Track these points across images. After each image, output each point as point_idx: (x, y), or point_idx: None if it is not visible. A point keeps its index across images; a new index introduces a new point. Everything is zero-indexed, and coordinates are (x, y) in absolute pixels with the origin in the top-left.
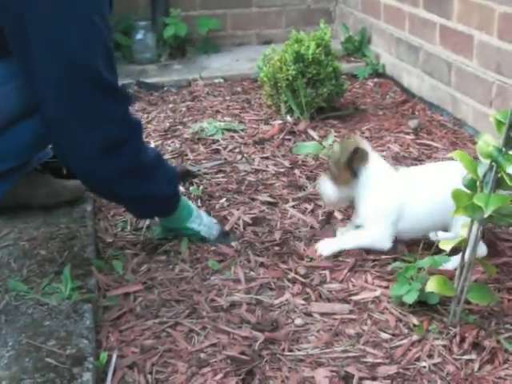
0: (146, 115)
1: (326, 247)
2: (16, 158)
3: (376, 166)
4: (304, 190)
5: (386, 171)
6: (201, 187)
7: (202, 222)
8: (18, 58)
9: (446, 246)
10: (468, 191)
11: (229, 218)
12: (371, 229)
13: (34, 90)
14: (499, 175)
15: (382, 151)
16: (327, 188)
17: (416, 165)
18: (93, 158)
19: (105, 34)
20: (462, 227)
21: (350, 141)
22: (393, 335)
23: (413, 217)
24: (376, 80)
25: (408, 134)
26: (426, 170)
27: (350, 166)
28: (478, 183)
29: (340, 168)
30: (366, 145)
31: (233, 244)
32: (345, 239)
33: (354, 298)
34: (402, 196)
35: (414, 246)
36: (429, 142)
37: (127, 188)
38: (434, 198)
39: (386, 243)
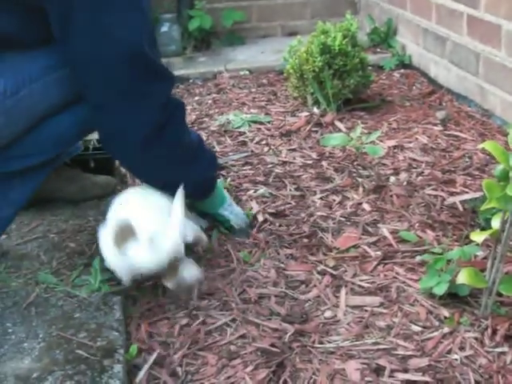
0: None
1: None
2: (54, 149)
3: None
4: (331, 181)
5: None
6: (228, 179)
7: (233, 211)
8: (62, 45)
9: (477, 237)
10: (500, 182)
11: (256, 210)
12: None
13: (78, 77)
14: None
15: (410, 142)
16: None
17: (445, 156)
18: (139, 142)
19: (150, 20)
20: (494, 219)
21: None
22: (424, 327)
23: None
24: (402, 71)
25: (436, 125)
26: None
27: None
28: (510, 174)
29: None
30: None
31: (260, 236)
32: None
33: (384, 290)
34: None
35: (443, 237)
36: (457, 133)
37: (169, 171)
38: None
39: None
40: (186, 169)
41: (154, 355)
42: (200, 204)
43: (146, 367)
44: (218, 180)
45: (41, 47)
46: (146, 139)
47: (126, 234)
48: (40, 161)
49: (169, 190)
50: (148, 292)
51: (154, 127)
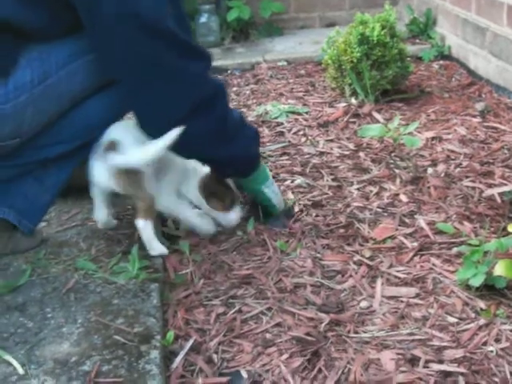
0: None
1: None
2: (86, 134)
3: None
4: (369, 172)
5: None
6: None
7: (275, 191)
8: (89, 30)
9: None
10: None
11: (293, 199)
12: None
13: (106, 61)
14: None
15: (448, 134)
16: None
17: (483, 148)
18: (178, 122)
19: (177, 3)
20: None
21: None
22: (459, 319)
23: None
24: (441, 62)
25: (475, 116)
26: None
27: None
28: None
29: None
30: None
31: (297, 226)
32: None
33: (420, 281)
34: None
35: (480, 229)
36: (496, 125)
37: (213, 149)
38: None
39: None
40: (228, 145)
41: (191, 342)
42: (243, 181)
43: (182, 353)
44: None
45: (66, 36)
46: (183, 118)
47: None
48: (73, 147)
49: (212, 166)
50: (186, 280)
51: (191, 106)
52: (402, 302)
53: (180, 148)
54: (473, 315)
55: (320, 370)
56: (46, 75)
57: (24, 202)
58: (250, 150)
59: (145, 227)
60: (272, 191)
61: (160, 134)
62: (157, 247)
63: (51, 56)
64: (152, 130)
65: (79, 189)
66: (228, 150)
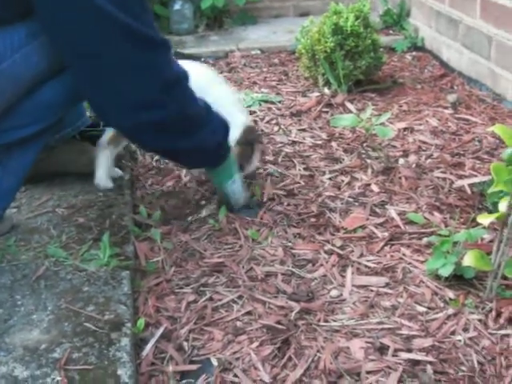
0: None
1: None
2: (48, 117)
3: None
4: (341, 162)
5: None
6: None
7: (235, 191)
8: (42, 17)
9: (484, 220)
10: (508, 166)
11: (264, 188)
12: None
13: (60, 48)
14: None
15: (420, 125)
16: None
17: (455, 139)
18: (134, 112)
19: None
20: (501, 202)
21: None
22: (428, 308)
23: None
24: (414, 53)
25: (446, 108)
26: None
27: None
28: None
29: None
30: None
31: (268, 215)
32: None
33: (390, 270)
34: None
35: (450, 219)
36: (467, 117)
37: (173, 140)
38: None
39: None
40: (191, 137)
41: (161, 329)
42: (208, 171)
43: (152, 341)
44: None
45: (20, 21)
46: (139, 109)
47: None
48: (36, 130)
49: (176, 158)
50: (157, 267)
51: (148, 96)
52: (371, 291)
53: (140, 140)
54: (442, 305)
55: (290, 358)
56: (0, 59)
57: None
58: (216, 140)
59: (103, 151)
60: (232, 191)
61: (116, 123)
62: (101, 177)
63: (6, 40)
64: (109, 121)
65: (52, 175)
66: (190, 141)
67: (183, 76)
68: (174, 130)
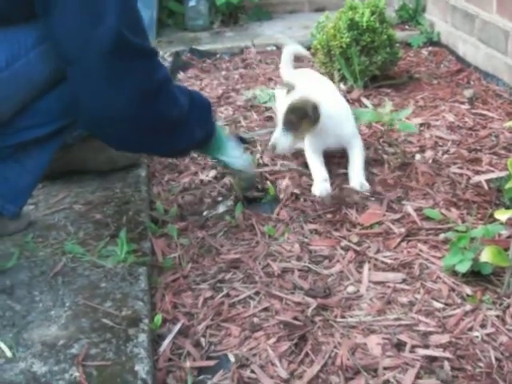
0: (198, 82)
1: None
2: (65, 116)
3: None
4: None
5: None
6: (254, 154)
7: (234, 155)
8: (44, 23)
9: (502, 216)
10: None
11: (281, 184)
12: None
13: (58, 54)
14: None
15: (437, 120)
16: (283, 138)
17: (471, 135)
18: (120, 123)
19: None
20: None
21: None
22: (446, 305)
23: None
24: (430, 49)
25: (463, 103)
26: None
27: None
28: None
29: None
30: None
31: (285, 211)
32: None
33: (407, 266)
34: None
35: (467, 215)
36: (484, 112)
37: (160, 143)
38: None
39: None
40: (172, 137)
41: (178, 325)
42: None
43: (169, 337)
44: (218, 126)
45: (29, 21)
46: (126, 119)
47: None
48: (52, 129)
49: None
50: (174, 263)
51: (136, 101)
52: (388, 287)
53: (125, 147)
54: (459, 301)
55: (307, 354)
56: (14, 58)
57: (5, 185)
58: (194, 136)
59: None
60: (231, 156)
61: (100, 128)
62: None
63: (20, 39)
64: (93, 128)
65: (69, 172)
66: (171, 144)
67: (167, 77)
68: (160, 131)
